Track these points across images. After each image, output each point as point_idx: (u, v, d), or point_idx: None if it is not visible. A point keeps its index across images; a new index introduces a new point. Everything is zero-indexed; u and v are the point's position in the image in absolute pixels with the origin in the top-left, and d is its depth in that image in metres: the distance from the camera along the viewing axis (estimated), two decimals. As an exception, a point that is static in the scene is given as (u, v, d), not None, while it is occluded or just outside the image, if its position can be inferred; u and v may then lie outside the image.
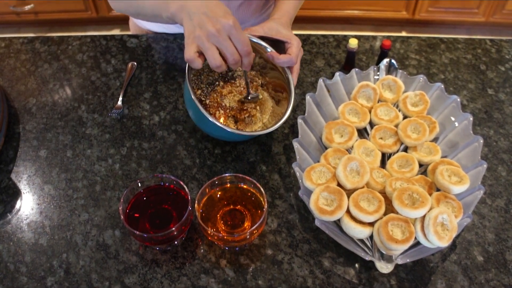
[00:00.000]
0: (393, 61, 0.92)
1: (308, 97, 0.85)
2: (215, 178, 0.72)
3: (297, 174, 0.76)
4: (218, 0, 0.72)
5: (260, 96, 0.86)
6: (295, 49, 0.80)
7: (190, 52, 0.69)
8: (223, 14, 0.69)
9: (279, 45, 0.83)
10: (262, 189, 0.70)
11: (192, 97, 0.74)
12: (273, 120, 0.85)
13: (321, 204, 0.71)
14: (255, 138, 0.88)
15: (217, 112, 0.85)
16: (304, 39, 1.09)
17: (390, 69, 0.93)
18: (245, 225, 0.71)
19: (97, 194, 0.81)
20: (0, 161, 0.86)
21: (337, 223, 0.73)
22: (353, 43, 0.94)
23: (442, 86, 0.87)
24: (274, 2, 0.97)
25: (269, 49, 0.82)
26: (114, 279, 0.70)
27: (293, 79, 0.82)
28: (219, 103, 0.86)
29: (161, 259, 0.72)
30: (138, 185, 0.73)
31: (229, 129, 0.75)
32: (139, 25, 1.16)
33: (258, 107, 0.87)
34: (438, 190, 0.75)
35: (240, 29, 0.69)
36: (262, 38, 0.83)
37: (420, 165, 0.80)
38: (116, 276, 0.70)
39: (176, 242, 0.73)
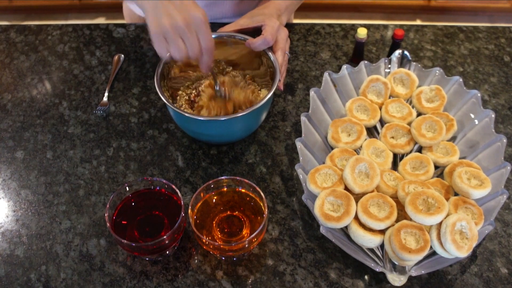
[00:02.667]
0: (406, 52, 0.93)
1: (312, 93, 0.86)
2: (211, 182, 0.73)
3: (301, 176, 0.76)
4: None
5: (228, 93, 0.88)
6: (269, 28, 0.85)
7: (162, 49, 0.73)
8: (192, 4, 0.72)
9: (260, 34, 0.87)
10: (262, 194, 0.71)
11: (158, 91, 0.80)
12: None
13: (326, 209, 0.71)
14: (254, 138, 0.89)
15: None
16: (308, 29, 1.10)
17: (402, 62, 0.93)
18: (244, 233, 0.72)
19: (80, 199, 0.81)
20: (-27, 163, 0.87)
21: (345, 231, 0.74)
22: (362, 33, 0.94)
23: (461, 79, 0.88)
24: None
25: (246, 38, 0.86)
26: (99, 293, 0.71)
27: (276, 58, 0.84)
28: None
29: (151, 271, 0.73)
30: (126, 189, 0.73)
31: (202, 117, 0.79)
32: (135, 11, 1.16)
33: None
34: (456, 194, 0.75)
35: (208, 24, 0.73)
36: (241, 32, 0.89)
37: (436, 167, 0.80)
38: (101, 290, 0.71)
39: (167, 252, 0.73)
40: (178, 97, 0.90)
